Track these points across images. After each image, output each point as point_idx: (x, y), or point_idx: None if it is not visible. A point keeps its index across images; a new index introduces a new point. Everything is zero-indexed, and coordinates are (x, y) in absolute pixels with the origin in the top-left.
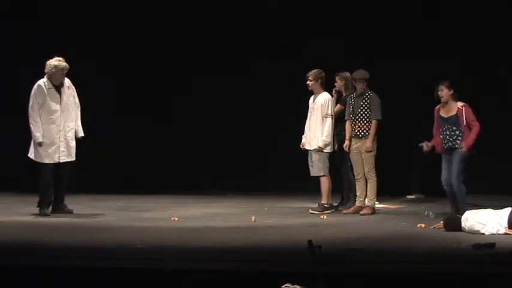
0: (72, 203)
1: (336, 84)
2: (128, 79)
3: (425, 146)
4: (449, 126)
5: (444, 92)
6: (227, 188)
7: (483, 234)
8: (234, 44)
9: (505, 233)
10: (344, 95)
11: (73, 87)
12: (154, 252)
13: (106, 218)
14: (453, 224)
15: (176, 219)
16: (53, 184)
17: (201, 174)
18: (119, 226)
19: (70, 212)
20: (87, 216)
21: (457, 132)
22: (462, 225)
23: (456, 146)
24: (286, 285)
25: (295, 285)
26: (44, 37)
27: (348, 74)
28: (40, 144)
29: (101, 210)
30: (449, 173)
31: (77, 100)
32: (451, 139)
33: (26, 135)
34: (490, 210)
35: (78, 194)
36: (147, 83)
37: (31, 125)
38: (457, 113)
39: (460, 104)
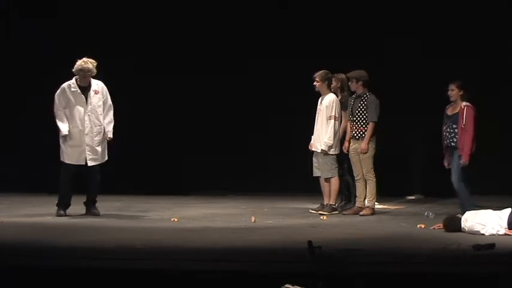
0: (73, 203)
1: (331, 85)
2: (128, 79)
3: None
4: (450, 124)
5: (454, 92)
6: (227, 188)
7: (483, 234)
8: (234, 44)
9: (505, 234)
10: (340, 96)
11: (105, 89)
12: (154, 252)
13: (106, 218)
14: (453, 224)
15: (176, 219)
16: (72, 187)
17: (201, 174)
18: (119, 226)
19: (97, 214)
20: (87, 216)
21: (456, 131)
22: (462, 225)
23: (452, 144)
24: (286, 285)
25: (295, 286)
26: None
27: (343, 75)
28: (65, 137)
29: (101, 210)
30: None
31: (110, 102)
32: (449, 136)
33: (27, 136)
34: (489, 210)
35: (78, 194)
36: (146, 82)
37: (57, 122)
38: (458, 112)
39: (464, 103)
